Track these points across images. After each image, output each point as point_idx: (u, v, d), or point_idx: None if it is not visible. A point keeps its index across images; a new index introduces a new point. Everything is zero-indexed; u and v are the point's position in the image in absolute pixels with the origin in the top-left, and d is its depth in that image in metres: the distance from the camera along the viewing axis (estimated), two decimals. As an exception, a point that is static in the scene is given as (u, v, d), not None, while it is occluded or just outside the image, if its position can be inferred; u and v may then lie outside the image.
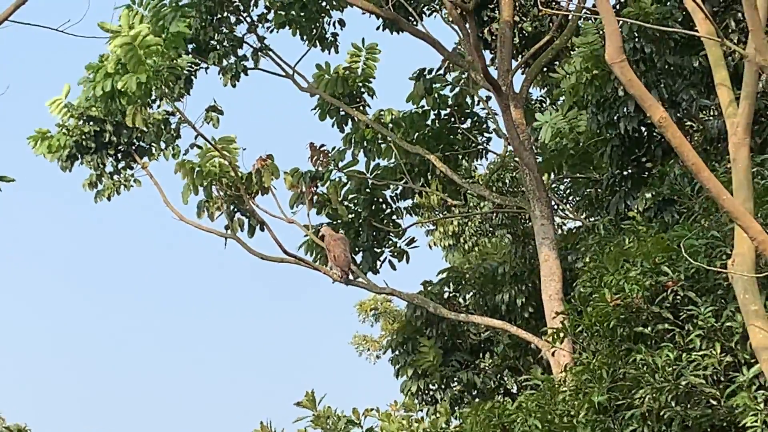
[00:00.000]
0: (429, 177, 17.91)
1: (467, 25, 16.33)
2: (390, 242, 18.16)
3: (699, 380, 9.79)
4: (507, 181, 19.63)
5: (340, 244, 15.57)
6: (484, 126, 18.23)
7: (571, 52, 15.42)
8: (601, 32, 14.17)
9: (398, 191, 18.11)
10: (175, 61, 16.17)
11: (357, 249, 17.93)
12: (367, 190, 17.92)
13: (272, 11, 17.80)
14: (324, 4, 17.75)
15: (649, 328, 10.48)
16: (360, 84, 18.01)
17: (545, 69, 17.29)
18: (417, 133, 17.84)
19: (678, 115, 13.72)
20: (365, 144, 17.89)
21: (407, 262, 18.12)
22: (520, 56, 17.34)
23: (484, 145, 18.32)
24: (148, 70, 15.69)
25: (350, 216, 17.90)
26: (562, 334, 12.23)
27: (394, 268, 18.09)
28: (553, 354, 14.30)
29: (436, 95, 17.72)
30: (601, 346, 11.14)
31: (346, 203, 17.88)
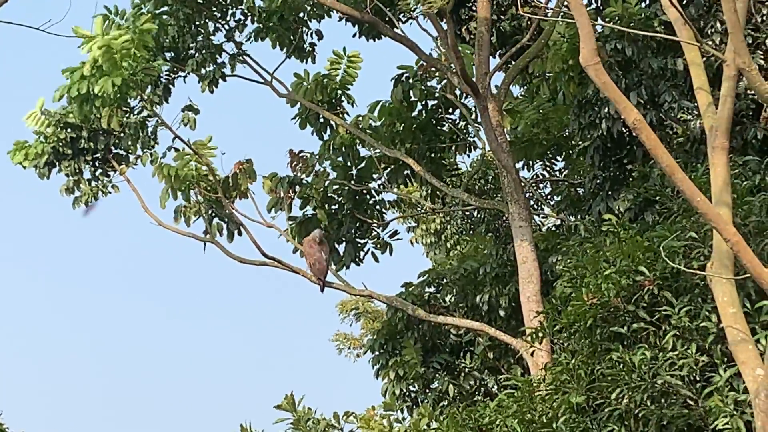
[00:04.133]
0: (410, 175, 17.88)
1: (444, 26, 16.33)
2: (373, 234, 18.12)
3: (675, 380, 9.80)
4: (489, 178, 19.60)
5: (315, 251, 15.58)
6: (473, 117, 18.21)
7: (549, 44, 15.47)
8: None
9: (381, 182, 18.05)
10: (149, 63, 16.14)
11: (340, 240, 17.87)
12: (351, 181, 17.86)
13: (249, 18, 17.80)
14: (302, 15, 17.76)
15: (626, 328, 10.50)
16: (339, 91, 17.99)
17: (527, 69, 17.31)
18: (403, 125, 17.77)
19: (660, 116, 13.75)
20: (344, 149, 17.85)
21: (390, 254, 18.06)
22: (498, 54, 17.32)
23: (472, 137, 18.33)
24: (123, 72, 15.66)
25: (333, 207, 17.82)
26: (540, 334, 12.23)
27: (377, 260, 18.05)
28: (532, 354, 14.33)
29: (422, 88, 17.69)
30: (579, 346, 11.15)
31: (329, 194, 17.79)
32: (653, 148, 8.15)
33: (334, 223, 17.63)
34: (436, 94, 17.83)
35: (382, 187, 18.04)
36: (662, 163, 8.15)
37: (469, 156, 18.82)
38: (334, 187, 17.78)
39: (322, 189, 17.56)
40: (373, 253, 18.05)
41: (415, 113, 17.88)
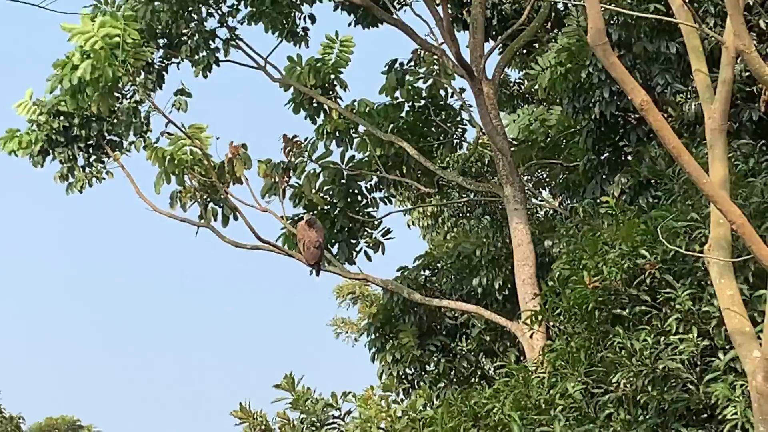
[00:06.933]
0: (403, 168, 17.96)
1: (440, 9, 16.32)
2: (366, 233, 18.19)
3: (676, 364, 9.84)
4: (485, 162, 19.63)
5: (308, 235, 15.60)
6: (458, 118, 18.27)
7: (549, 44, 15.44)
8: (579, 23, 14.23)
9: (373, 182, 18.16)
10: (141, 49, 16.13)
11: (333, 241, 17.93)
12: (342, 181, 17.91)
13: (242, 2, 17.75)
14: (295, -1, 17.79)
15: (627, 311, 10.53)
16: (332, 75, 17.98)
17: (523, 51, 17.32)
18: (391, 125, 17.88)
19: (654, 100, 13.75)
20: (338, 134, 17.88)
21: (383, 253, 18.24)
22: (498, 37, 17.34)
23: (459, 137, 18.41)
24: (113, 60, 15.67)
25: (326, 207, 17.91)
26: (540, 317, 12.26)
27: (369, 259, 18.24)
28: (531, 336, 14.37)
29: (409, 87, 17.75)
30: (578, 329, 11.18)
31: (321, 195, 17.88)
32: (660, 129, 8.15)
33: (326, 222, 17.66)
34: (423, 94, 17.83)
35: (374, 186, 18.11)
36: (668, 145, 8.14)
37: (459, 150, 18.94)
38: (326, 187, 17.84)
39: (313, 190, 17.62)
40: (366, 252, 18.18)
41: (402, 114, 17.99)
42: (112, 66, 15.73)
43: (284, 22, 17.83)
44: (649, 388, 9.95)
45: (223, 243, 16.79)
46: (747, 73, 12.66)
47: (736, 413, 9.21)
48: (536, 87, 16.04)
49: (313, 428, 15.12)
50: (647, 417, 10.03)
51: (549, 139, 17.45)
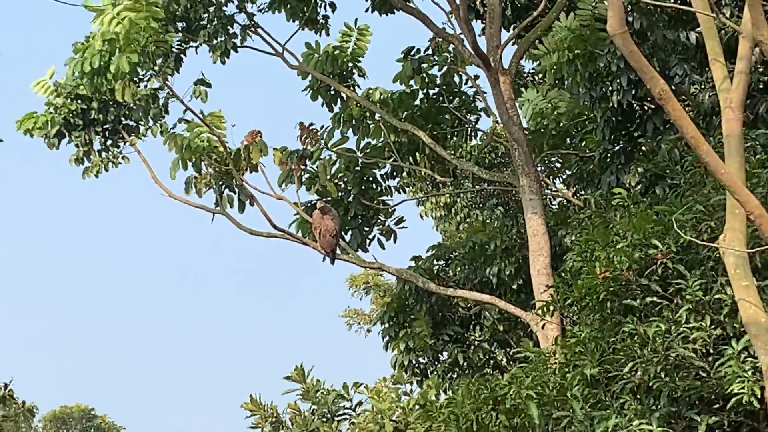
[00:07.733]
0: (418, 155, 17.98)
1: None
2: (379, 221, 18.21)
3: (688, 352, 9.83)
4: (499, 152, 19.62)
5: (324, 223, 15.62)
6: (473, 105, 18.25)
7: (552, 29, 15.39)
8: (594, 7, 14.17)
9: (387, 170, 18.17)
10: (163, 36, 16.13)
11: (346, 228, 17.96)
12: (357, 168, 17.93)
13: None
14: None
15: (638, 301, 10.51)
16: (350, 63, 17.99)
17: (538, 41, 17.26)
18: (405, 113, 17.90)
19: (672, 89, 13.70)
20: (354, 122, 17.89)
21: (395, 241, 18.27)
22: (512, 28, 17.31)
23: (473, 124, 18.40)
24: (136, 47, 15.67)
25: (339, 194, 17.94)
26: (552, 308, 12.26)
27: (382, 246, 18.30)
28: (542, 327, 14.39)
29: (424, 74, 17.74)
30: (590, 320, 11.18)
31: (335, 181, 17.91)
32: (678, 118, 8.11)
33: (340, 209, 17.71)
34: (438, 81, 17.84)
35: (388, 174, 18.10)
36: (687, 135, 8.10)
37: (474, 139, 18.94)
38: (340, 174, 17.88)
39: (327, 177, 17.66)
40: (378, 239, 18.23)
41: (417, 102, 17.99)
42: (135, 52, 15.73)
43: (304, 9, 17.83)
44: (662, 376, 9.95)
45: (235, 233, 16.83)
46: (764, 65, 12.61)
47: (743, 388, 9.18)
48: (547, 74, 16.02)
49: (325, 420, 15.14)
50: (660, 406, 10.02)
51: (560, 125, 17.40)
